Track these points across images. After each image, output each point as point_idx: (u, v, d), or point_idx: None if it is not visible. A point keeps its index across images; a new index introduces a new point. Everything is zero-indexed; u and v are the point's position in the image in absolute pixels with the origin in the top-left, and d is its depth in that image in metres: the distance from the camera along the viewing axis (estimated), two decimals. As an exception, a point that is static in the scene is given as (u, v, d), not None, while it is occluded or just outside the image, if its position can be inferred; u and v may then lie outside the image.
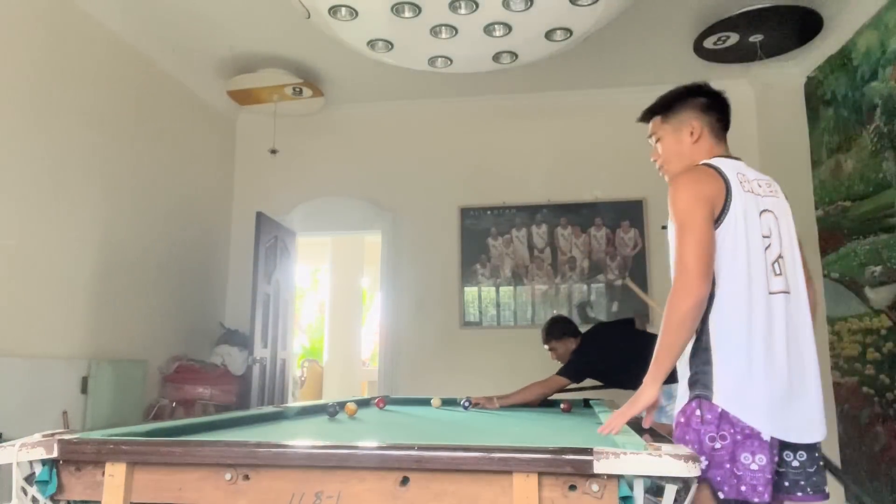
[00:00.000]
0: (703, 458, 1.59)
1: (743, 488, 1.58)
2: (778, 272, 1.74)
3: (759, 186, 1.81)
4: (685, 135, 1.91)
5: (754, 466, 1.58)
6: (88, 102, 3.91)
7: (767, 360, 1.65)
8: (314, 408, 2.71)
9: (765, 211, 1.77)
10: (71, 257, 3.75)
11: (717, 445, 1.60)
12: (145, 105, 4.48)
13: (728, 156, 1.88)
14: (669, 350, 1.64)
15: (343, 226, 5.69)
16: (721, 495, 1.60)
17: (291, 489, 1.32)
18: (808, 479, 1.68)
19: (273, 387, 5.00)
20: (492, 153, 5.32)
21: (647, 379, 1.67)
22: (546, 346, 3.61)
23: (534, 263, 5.14)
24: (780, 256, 1.76)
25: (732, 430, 1.60)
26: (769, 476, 1.58)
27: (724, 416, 1.61)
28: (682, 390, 1.71)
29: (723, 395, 1.62)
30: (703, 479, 1.59)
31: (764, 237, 1.74)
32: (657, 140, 1.98)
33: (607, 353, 3.33)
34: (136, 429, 1.67)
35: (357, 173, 5.45)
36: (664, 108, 1.96)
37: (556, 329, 3.61)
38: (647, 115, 2.01)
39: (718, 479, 1.59)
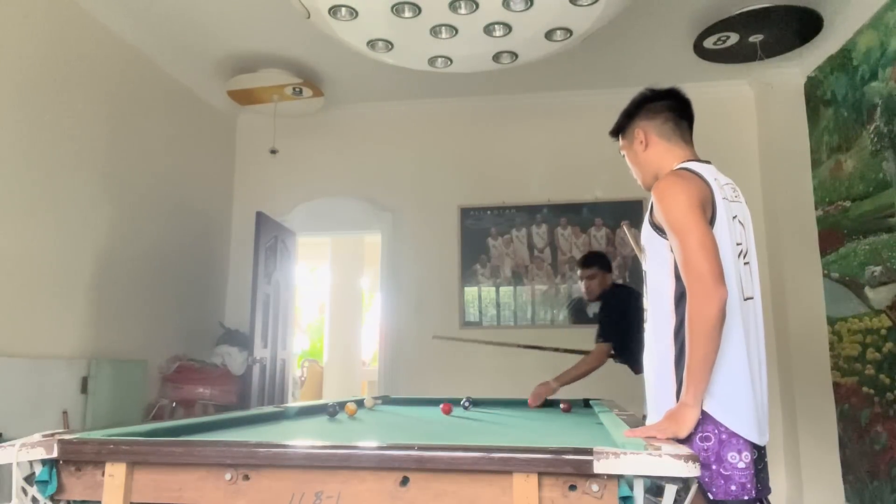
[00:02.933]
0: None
1: (733, 487, 1.59)
2: (746, 279, 1.75)
3: (729, 191, 1.81)
4: (637, 145, 1.93)
5: (742, 465, 1.59)
6: (88, 102, 3.91)
7: (749, 367, 1.66)
8: (314, 408, 2.71)
9: (734, 217, 1.77)
10: (71, 257, 3.75)
11: (704, 446, 1.61)
12: (145, 105, 4.48)
13: (697, 159, 1.84)
14: (705, 362, 1.55)
15: (343, 226, 5.70)
16: (710, 496, 1.59)
17: (291, 489, 1.32)
18: (757, 475, 1.67)
19: (273, 387, 5.00)
20: (492, 153, 5.32)
21: (687, 399, 1.56)
22: (586, 273, 3.62)
23: (534, 263, 5.14)
24: (746, 263, 1.78)
25: (717, 431, 1.61)
26: (754, 471, 1.60)
27: (707, 417, 1.61)
28: (665, 402, 1.67)
29: (716, 401, 1.61)
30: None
31: (737, 244, 1.74)
32: (625, 157, 2.01)
33: (625, 317, 3.25)
34: (136, 429, 1.66)
35: (357, 173, 5.45)
36: (618, 123, 1.99)
37: (603, 260, 3.69)
38: (613, 134, 2.04)
39: (706, 480, 1.59)
